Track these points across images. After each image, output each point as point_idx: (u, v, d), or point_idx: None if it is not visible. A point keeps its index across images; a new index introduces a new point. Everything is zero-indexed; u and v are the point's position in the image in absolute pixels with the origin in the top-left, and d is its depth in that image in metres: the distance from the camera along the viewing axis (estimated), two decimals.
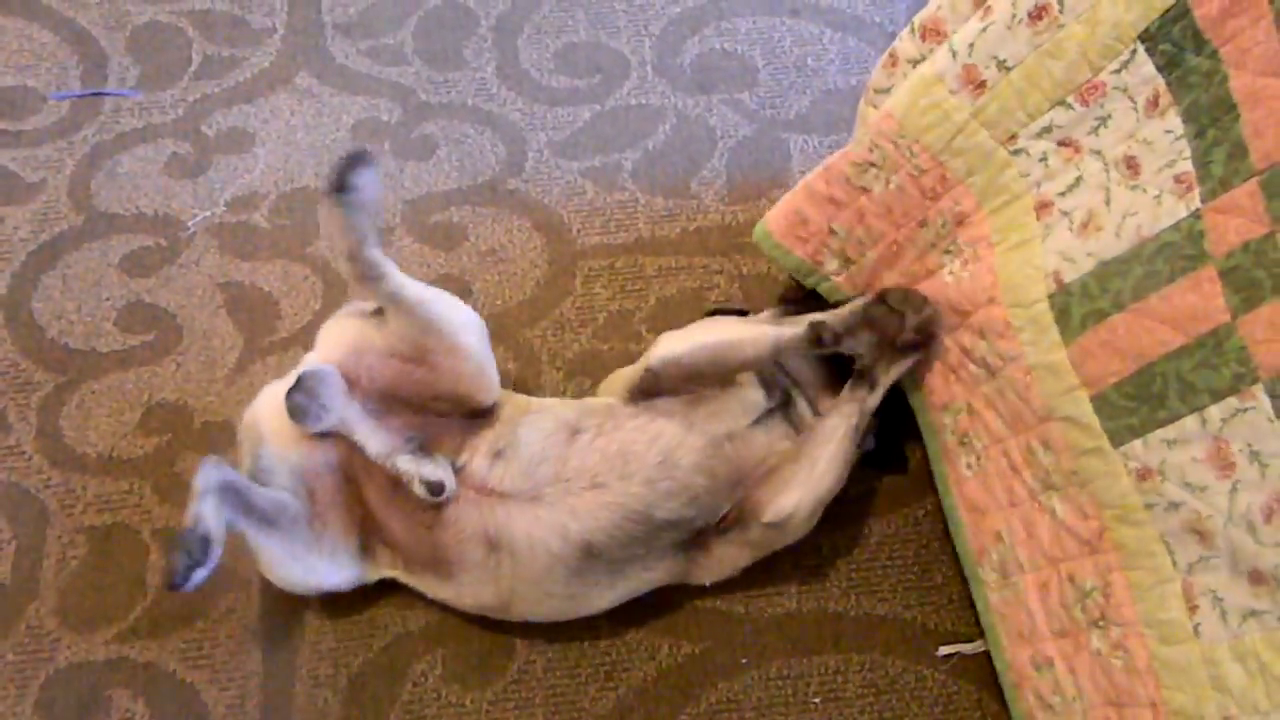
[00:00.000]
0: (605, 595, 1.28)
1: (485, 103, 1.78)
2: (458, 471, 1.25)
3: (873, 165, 1.29)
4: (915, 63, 1.30)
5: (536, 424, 1.28)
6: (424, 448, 1.25)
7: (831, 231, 1.37)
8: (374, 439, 1.24)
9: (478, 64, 1.82)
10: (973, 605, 1.36)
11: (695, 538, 1.28)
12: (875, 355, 1.30)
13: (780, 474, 1.27)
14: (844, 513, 1.45)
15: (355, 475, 1.27)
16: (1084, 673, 1.13)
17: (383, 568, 1.31)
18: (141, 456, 1.46)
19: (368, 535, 1.29)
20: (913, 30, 1.30)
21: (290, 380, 1.24)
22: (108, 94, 1.77)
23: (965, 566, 1.32)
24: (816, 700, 1.33)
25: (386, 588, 1.35)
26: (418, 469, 1.22)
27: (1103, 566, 1.11)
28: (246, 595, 1.37)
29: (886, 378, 1.30)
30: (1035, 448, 1.17)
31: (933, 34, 1.28)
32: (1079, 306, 1.10)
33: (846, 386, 1.31)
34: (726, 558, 1.31)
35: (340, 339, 1.28)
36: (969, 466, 1.29)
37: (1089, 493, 1.11)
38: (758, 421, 1.30)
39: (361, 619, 1.36)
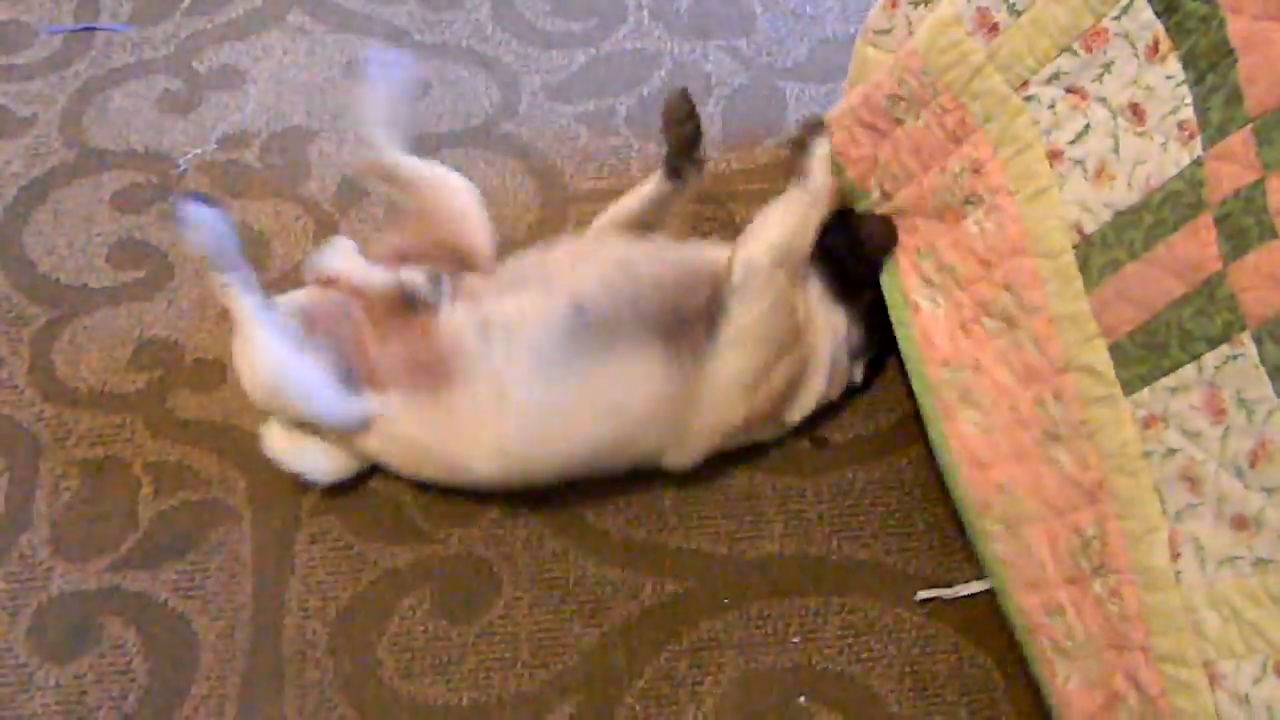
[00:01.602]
0: (600, 386, 1.26)
1: (480, 44, 1.77)
2: (454, 280, 1.32)
3: (902, 100, 1.29)
4: (916, 4, 1.30)
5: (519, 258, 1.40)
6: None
7: (875, 160, 1.36)
8: (376, 274, 1.32)
9: (472, 5, 1.80)
10: (950, 552, 1.38)
11: (683, 327, 1.29)
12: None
13: None
14: (828, 460, 1.47)
15: (354, 316, 1.31)
16: (1089, 616, 1.15)
17: (369, 403, 1.30)
18: (133, 392, 1.47)
19: (357, 372, 1.29)
20: None
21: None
22: (100, 28, 1.76)
23: (966, 520, 1.33)
24: (796, 640, 1.35)
25: (378, 526, 1.36)
26: (418, 272, 1.30)
27: (1100, 515, 1.13)
28: (238, 528, 1.39)
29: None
30: (1046, 399, 1.19)
31: None
32: (1099, 256, 1.11)
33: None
34: (720, 393, 1.32)
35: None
36: (972, 423, 1.30)
37: (1094, 443, 1.13)
38: None
39: (350, 554, 1.38)
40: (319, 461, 1.37)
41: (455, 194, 1.41)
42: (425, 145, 1.67)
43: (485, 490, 1.38)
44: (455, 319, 1.27)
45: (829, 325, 1.42)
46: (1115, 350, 1.10)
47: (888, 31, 1.34)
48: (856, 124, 1.35)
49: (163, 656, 1.31)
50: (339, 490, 1.41)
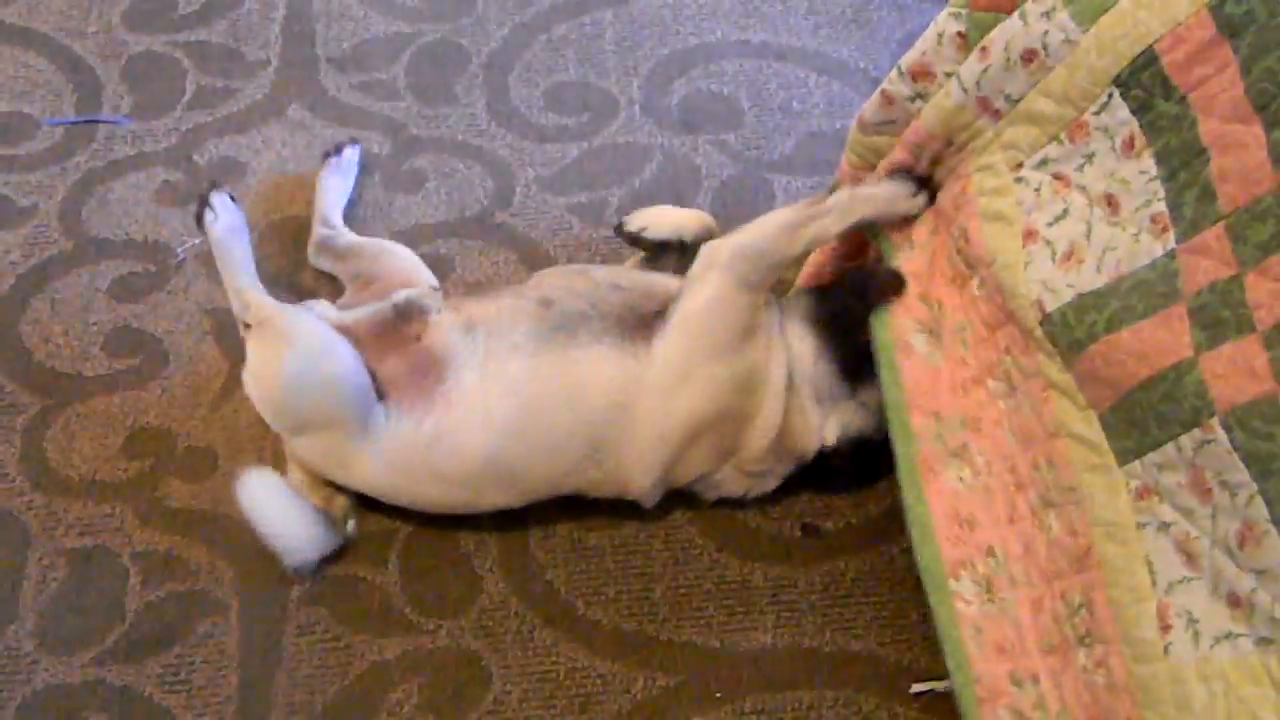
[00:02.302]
0: (565, 372, 1.33)
1: (475, 138, 1.81)
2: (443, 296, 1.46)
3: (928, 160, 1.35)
4: (913, 99, 1.33)
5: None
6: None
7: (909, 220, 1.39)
8: (363, 309, 1.43)
9: (468, 100, 1.85)
10: None
11: (637, 328, 1.36)
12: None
13: None
14: (820, 549, 1.46)
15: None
16: (1070, 689, 1.14)
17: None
18: (124, 481, 1.47)
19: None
20: (900, 73, 1.32)
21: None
22: (102, 121, 1.79)
23: (929, 577, 1.29)
24: None
25: (364, 614, 1.35)
26: (403, 296, 1.42)
27: (1088, 584, 1.12)
28: (225, 620, 1.37)
29: None
30: (1040, 464, 1.20)
31: (924, 75, 1.31)
32: (1062, 335, 1.14)
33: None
34: (662, 357, 1.34)
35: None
36: (961, 479, 1.30)
37: (1083, 509, 1.13)
38: None
39: (338, 646, 1.37)
40: (298, 525, 1.37)
41: (395, 254, 1.57)
42: (421, 235, 1.70)
43: (485, 506, 1.39)
44: (445, 321, 1.38)
45: (793, 351, 1.40)
46: (1104, 421, 1.11)
47: (881, 124, 1.37)
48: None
49: None
50: (328, 580, 1.40)
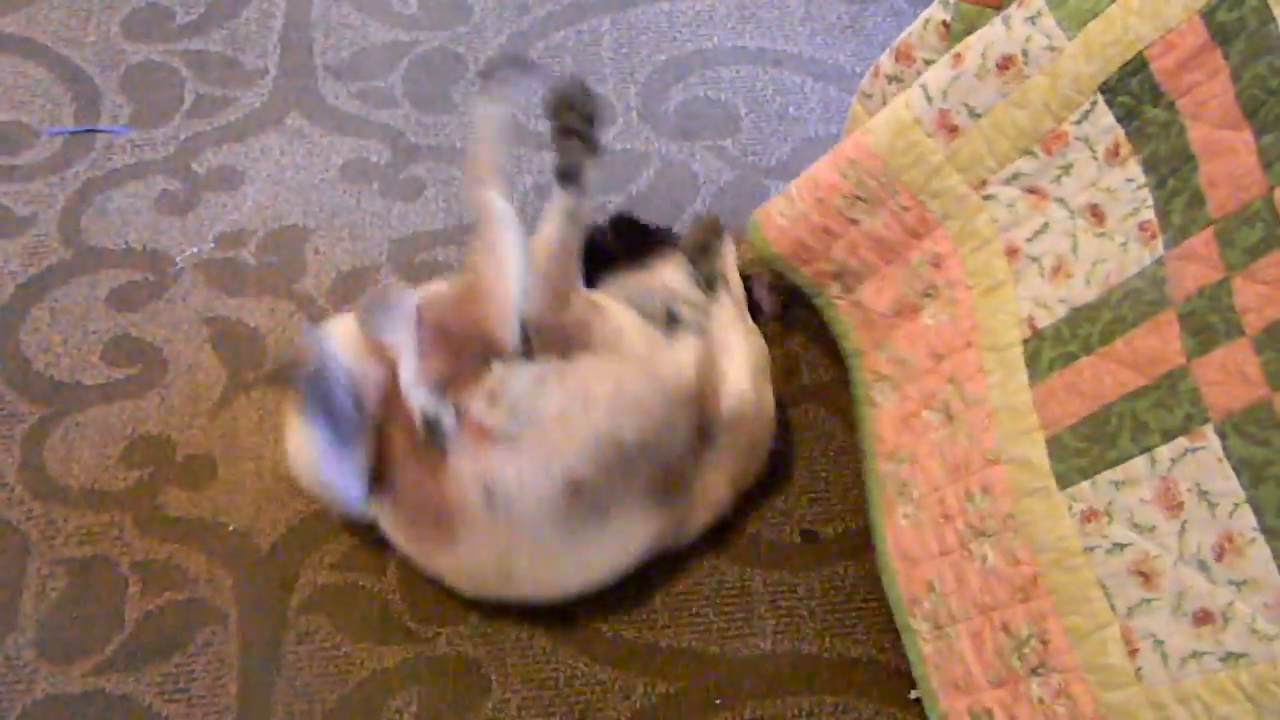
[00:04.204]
0: (600, 546, 1.30)
1: None
2: (460, 415, 1.26)
3: (860, 200, 1.33)
4: (891, 79, 1.37)
5: (520, 368, 1.32)
6: (441, 388, 1.27)
7: (830, 258, 1.41)
8: (409, 366, 1.27)
9: (466, 108, 1.85)
10: None
11: (671, 479, 1.32)
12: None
13: (712, 373, 1.38)
14: (818, 554, 1.47)
15: (389, 408, 1.28)
16: None
17: (376, 509, 1.33)
18: (123, 489, 1.47)
19: (379, 472, 1.30)
20: (891, 52, 1.38)
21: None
22: (100, 130, 1.80)
23: (897, 616, 1.32)
24: None
25: (369, 629, 1.36)
26: (424, 403, 1.25)
27: (1036, 613, 1.12)
28: (224, 629, 1.38)
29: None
30: (973, 493, 1.19)
31: (904, 57, 1.35)
32: (1050, 350, 1.13)
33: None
34: (708, 489, 1.37)
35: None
36: (905, 516, 1.31)
37: (1024, 537, 1.13)
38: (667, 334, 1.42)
39: (338, 654, 1.37)
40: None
41: (501, 267, 1.36)
42: (420, 243, 1.70)
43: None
44: (463, 472, 1.24)
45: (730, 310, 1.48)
46: (1052, 443, 1.11)
47: (870, 96, 1.41)
48: (808, 230, 1.40)
49: None
50: (327, 588, 1.41)
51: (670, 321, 1.45)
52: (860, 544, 1.48)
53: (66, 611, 1.38)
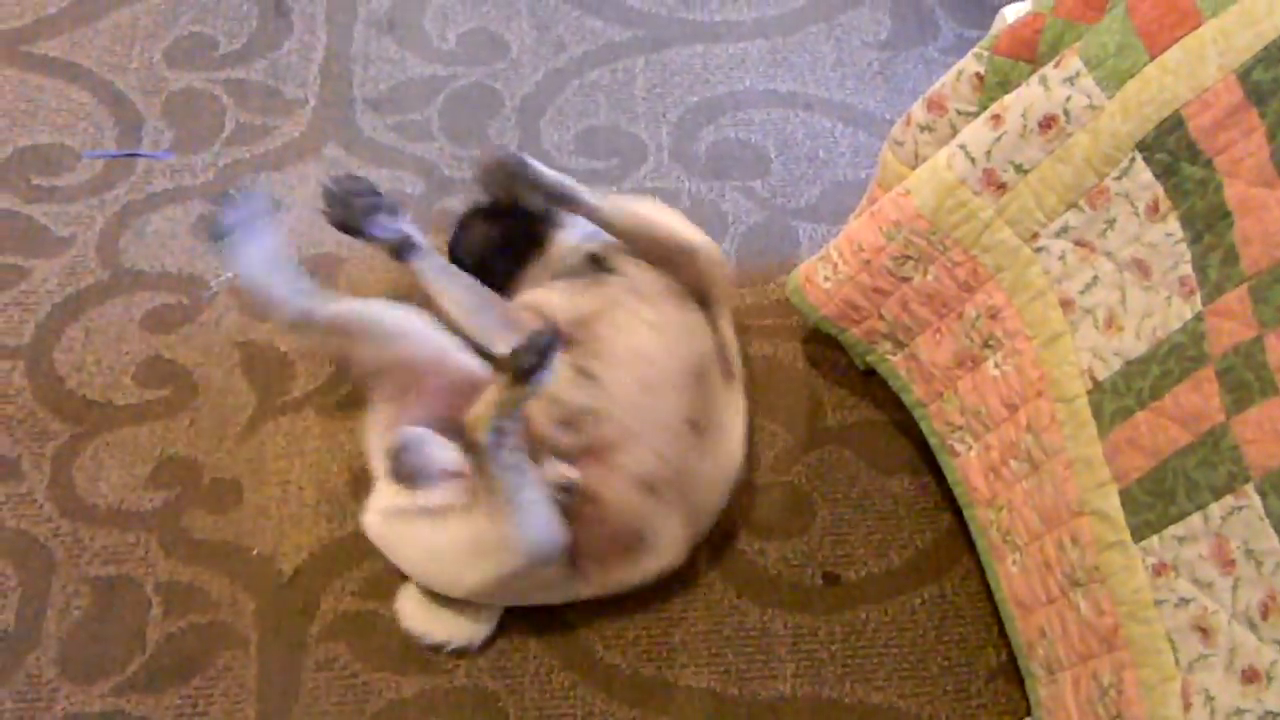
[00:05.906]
0: (726, 437, 1.44)
1: None
2: (566, 457, 1.33)
3: (909, 259, 1.35)
4: (923, 128, 1.38)
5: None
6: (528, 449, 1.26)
7: (881, 316, 1.43)
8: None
9: (501, 143, 1.88)
10: (966, 697, 1.37)
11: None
12: None
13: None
14: (840, 597, 1.46)
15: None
16: None
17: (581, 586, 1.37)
18: (150, 510, 1.49)
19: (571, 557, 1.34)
20: (924, 101, 1.39)
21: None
22: (141, 155, 1.83)
23: (1020, 662, 1.33)
24: None
25: (376, 653, 1.36)
26: (554, 481, 1.30)
27: (1117, 664, 1.12)
28: (244, 653, 1.38)
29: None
30: (1064, 543, 1.19)
31: (937, 107, 1.36)
32: (1110, 403, 1.14)
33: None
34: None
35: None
36: (1014, 563, 1.31)
37: (1107, 589, 1.13)
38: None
39: (356, 683, 1.37)
40: (459, 626, 1.39)
41: (410, 330, 1.41)
42: None
43: None
44: (611, 488, 1.31)
45: None
46: (1125, 496, 1.11)
47: (901, 144, 1.42)
48: (857, 291, 1.42)
49: None
50: (348, 616, 1.41)
51: (596, 265, 1.50)
52: (883, 589, 1.47)
53: (89, 630, 1.39)
